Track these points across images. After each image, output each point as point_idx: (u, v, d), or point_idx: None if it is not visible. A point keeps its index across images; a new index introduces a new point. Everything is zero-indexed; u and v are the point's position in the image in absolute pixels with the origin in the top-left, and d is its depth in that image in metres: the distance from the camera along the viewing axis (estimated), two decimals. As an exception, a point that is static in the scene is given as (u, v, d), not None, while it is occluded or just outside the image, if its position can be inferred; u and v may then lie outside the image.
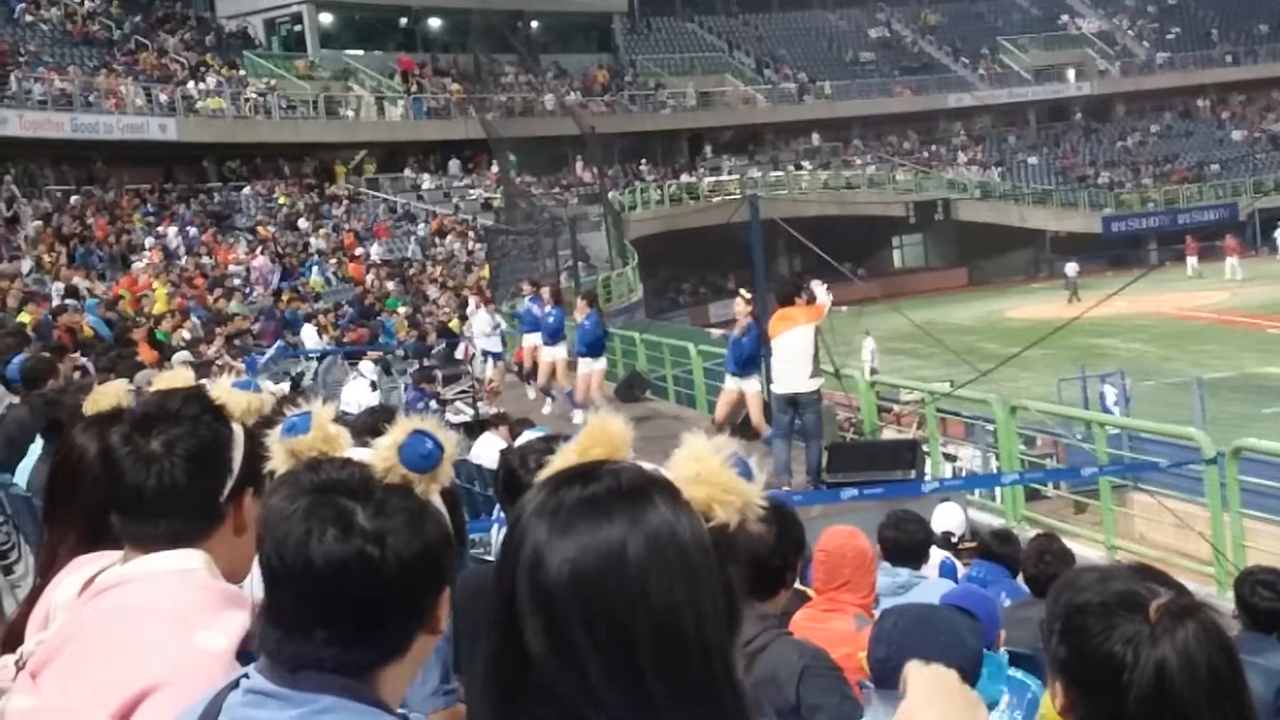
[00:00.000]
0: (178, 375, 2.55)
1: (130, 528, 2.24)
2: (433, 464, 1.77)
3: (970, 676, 3.34)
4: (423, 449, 1.77)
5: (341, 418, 2.01)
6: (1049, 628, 2.06)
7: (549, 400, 18.69)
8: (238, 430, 2.31)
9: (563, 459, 1.53)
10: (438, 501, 1.77)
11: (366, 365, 19.36)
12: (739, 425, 14.07)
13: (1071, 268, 49.75)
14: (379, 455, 1.78)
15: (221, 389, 2.40)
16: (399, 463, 1.76)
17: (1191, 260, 50.72)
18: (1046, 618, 2.07)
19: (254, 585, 2.68)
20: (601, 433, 1.56)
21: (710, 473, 1.54)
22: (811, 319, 12.39)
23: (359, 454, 1.83)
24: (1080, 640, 1.98)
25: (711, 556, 1.43)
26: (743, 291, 14.51)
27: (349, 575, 1.67)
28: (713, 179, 55.93)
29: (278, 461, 1.97)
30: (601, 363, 17.06)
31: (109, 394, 3.00)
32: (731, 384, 14.24)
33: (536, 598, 1.37)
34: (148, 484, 2.20)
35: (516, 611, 1.38)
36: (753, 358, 13.92)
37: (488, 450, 11.75)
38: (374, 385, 18.64)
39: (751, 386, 13.99)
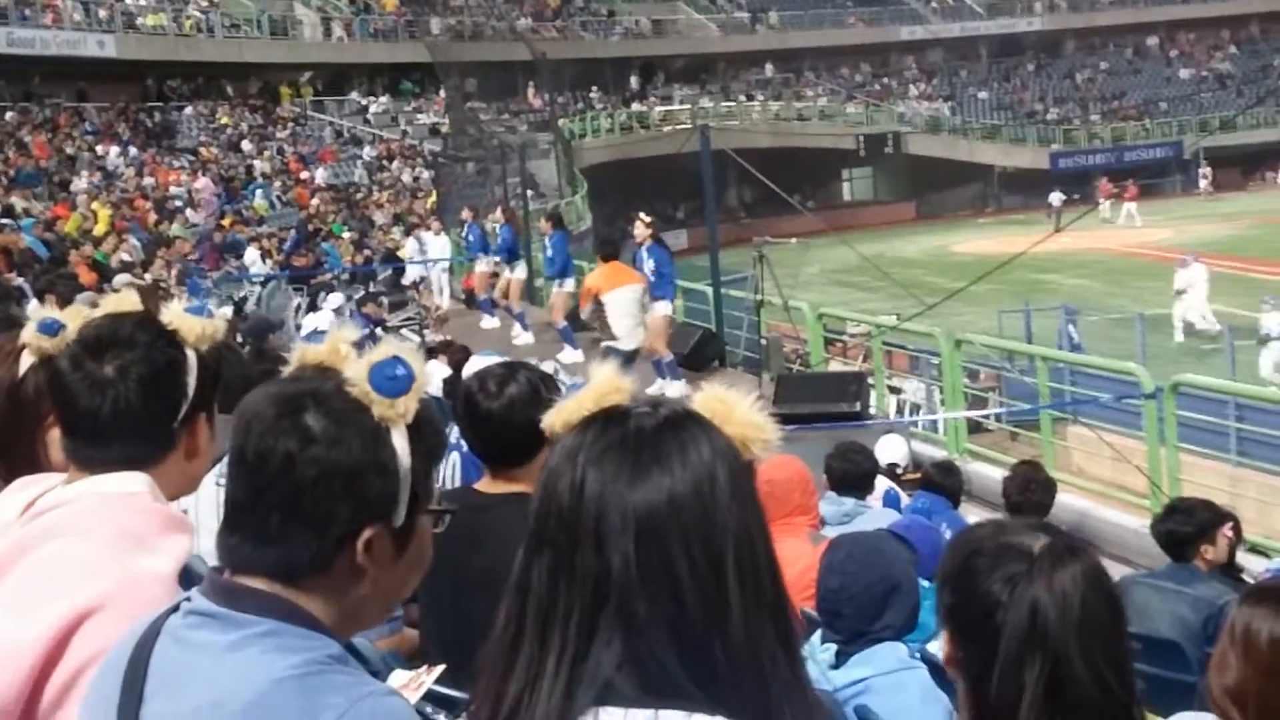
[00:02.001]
0: (125, 299, 2.51)
1: (82, 452, 2.22)
2: (398, 389, 1.76)
3: (918, 607, 3.39)
4: (389, 371, 1.76)
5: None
6: (942, 575, 2.07)
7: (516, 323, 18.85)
8: (191, 355, 2.28)
9: (576, 404, 1.54)
10: (401, 434, 1.76)
11: (335, 297, 19.22)
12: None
13: (1056, 197, 49.99)
14: (354, 368, 1.78)
15: (174, 314, 2.37)
16: (367, 380, 1.76)
17: (1106, 204, 50.42)
18: (941, 567, 2.09)
19: (199, 511, 2.67)
20: (614, 384, 1.59)
21: (740, 413, 1.58)
22: (638, 281, 12.61)
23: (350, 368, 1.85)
24: (965, 583, 2.00)
25: (754, 483, 1.48)
26: (642, 216, 14.81)
27: (269, 466, 1.70)
28: (664, 108, 55.64)
29: (292, 367, 2.00)
30: (568, 284, 17.25)
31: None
32: (651, 310, 14.52)
33: (630, 527, 1.37)
34: (103, 409, 2.18)
35: (596, 545, 1.38)
36: (660, 276, 14.26)
37: (432, 378, 11.75)
38: (338, 313, 18.52)
39: (658, 309, 14.23)
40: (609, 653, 1.37)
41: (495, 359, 5.55)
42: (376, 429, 1.74)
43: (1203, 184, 54.69)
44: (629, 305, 13.42)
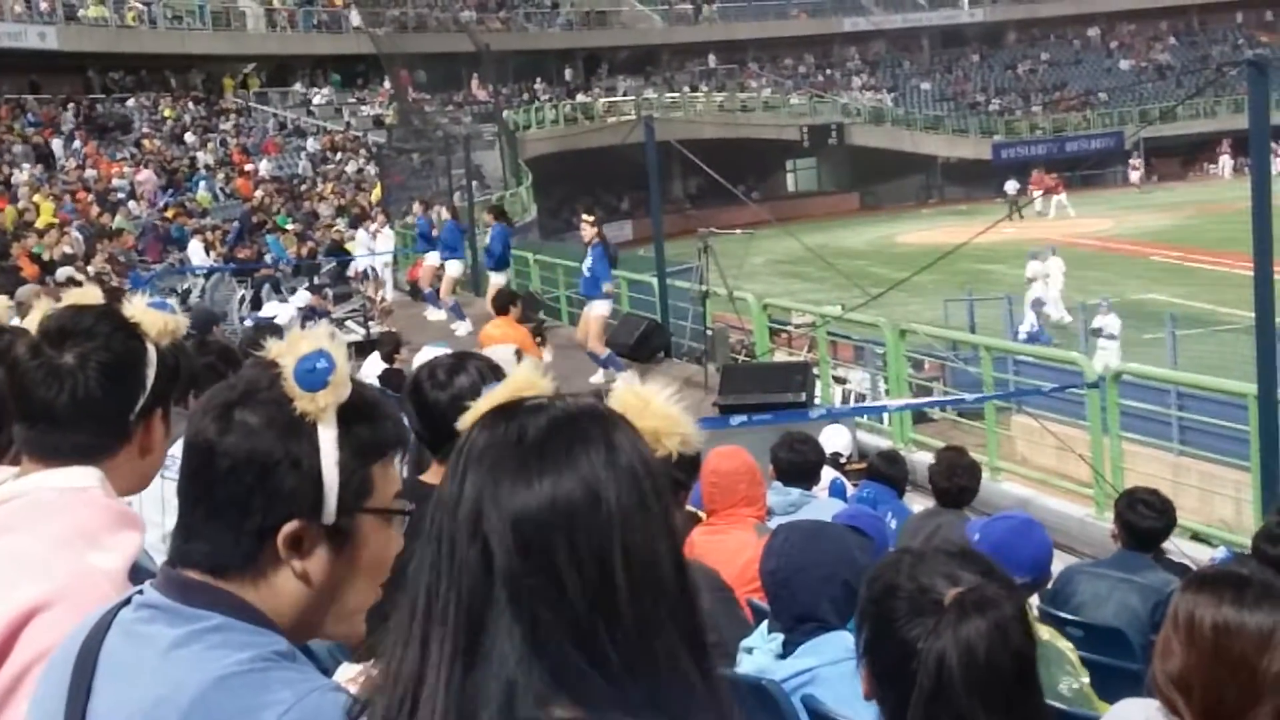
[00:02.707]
0: (88, 293, 2.50)
1: (36, 440, 2.20)
2: (313, 383, 1.75)
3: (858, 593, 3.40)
4: (308, 364, 1.75)
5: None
6: (860, 610, 2.07)
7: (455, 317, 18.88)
8: (151, 349, 2.28)
9: (489, 402, 1.53)
10: (328, 429, 1.75)
11: (302, 295, 19.12)
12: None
13: (1011, 185, 50.27)
14: (286, 362, 1.78)
15: (137, 308, 2.36)
16: (291, 374, 1.76)
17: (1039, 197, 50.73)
18: (860, 601, 2.09)
19: (143, 506, 2.67)
20: (528, 381, 1.57)
21: (655, 408, 1.57)
22: (518, 342, 12.66)
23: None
24: (881, 625, 2.00)
25: (667, 477, 1.43)
26: (585, 216, 14.88)
27: (195, 457, 1.71)
28: (608, 99, 55.56)
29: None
30: (502, 277, 17.35)
31: None
32: (589, 309, 14.84)
33: (508, 527, 1.32)
34: (60, 398, 2.17)
35: (478, 543, 1.33)
36: (595, 278, 14.45)
37: (371, 370, 11.76)
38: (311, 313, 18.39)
39: (594, 309, 14.47)
40: (503, 654, 1.32)
41: (446, 350, 5.55)
42: (296, 422, 1.73)
43: (1134, 175, 55.15)
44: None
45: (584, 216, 15.02)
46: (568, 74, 58.22)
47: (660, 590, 1.35)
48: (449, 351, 3.90)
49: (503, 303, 13.64)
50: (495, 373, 3.37)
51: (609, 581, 1.32)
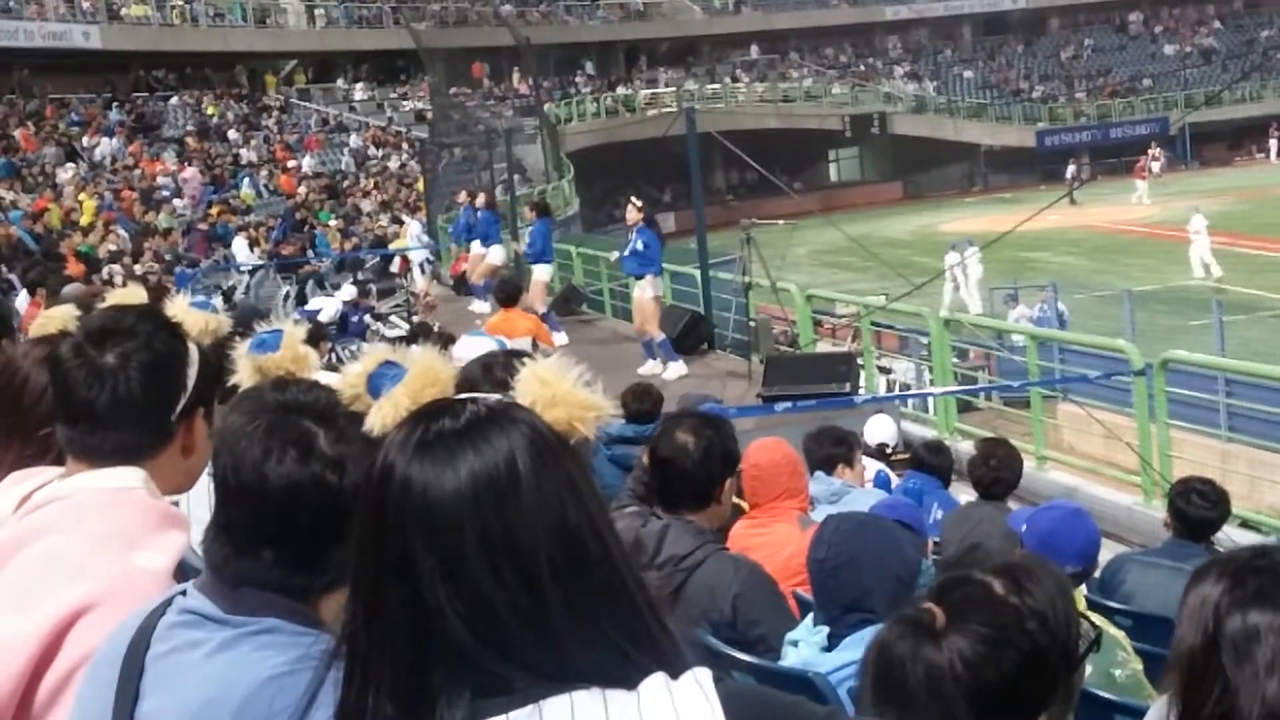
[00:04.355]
0: (131, 292, 2.50)
1: (78, 440, 2.21)
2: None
3: (908, 586, 3.38)
4: (391, 379, 1.75)
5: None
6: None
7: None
8: (193, 349, 2.28)
9: (392, 404, 1.52)
10: None
11: (347, 290, 19.20)
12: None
13: (1070, 169, 49.68)
14: (347, 382, 1.76)
15: (178, 307, 2.36)
16: (366, 391, 1.74)
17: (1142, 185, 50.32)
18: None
19: (190, 504, 2.68)
20: (431, 373, 1.56)
21: (564, 394, 1.56)
22: (530, 333, 12.57)
23: (327, 378, 1.81)
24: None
25: (587, 468, 1.44)
26: (634, 200, 14.85)
27: (304, 499, 1.68)
28: (649, 91, 55.50)
29: (243, 377, 1.95)
30: (547, 270, 17.25)
31: (56, 318, 2.95)
32: (637, 290, 14.65)
33: (427, 528, 1.34)
34: (101, 398, 2.17)
35: (402, 550, 1.35)
36: (642, 254, 14.31)
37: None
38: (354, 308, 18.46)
39: (645, 291, 14.31)
40: (444, 645, 1.33)
41: (484, 339, 5.55)
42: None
43: (1155, 166, 54.25)
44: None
45: (632, 200, 14.89)
46: (589, 67, 58.09)
47: (589, 577, 1.36)
48: (504, 348, 3.88)
49: (508, 294, 13.62)
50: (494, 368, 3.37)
51: (533, 574, 1.33)
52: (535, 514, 1.35)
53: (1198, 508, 5.76)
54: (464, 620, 1.32)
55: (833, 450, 6.72)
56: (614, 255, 16.03)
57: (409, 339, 13.84)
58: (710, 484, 4.03)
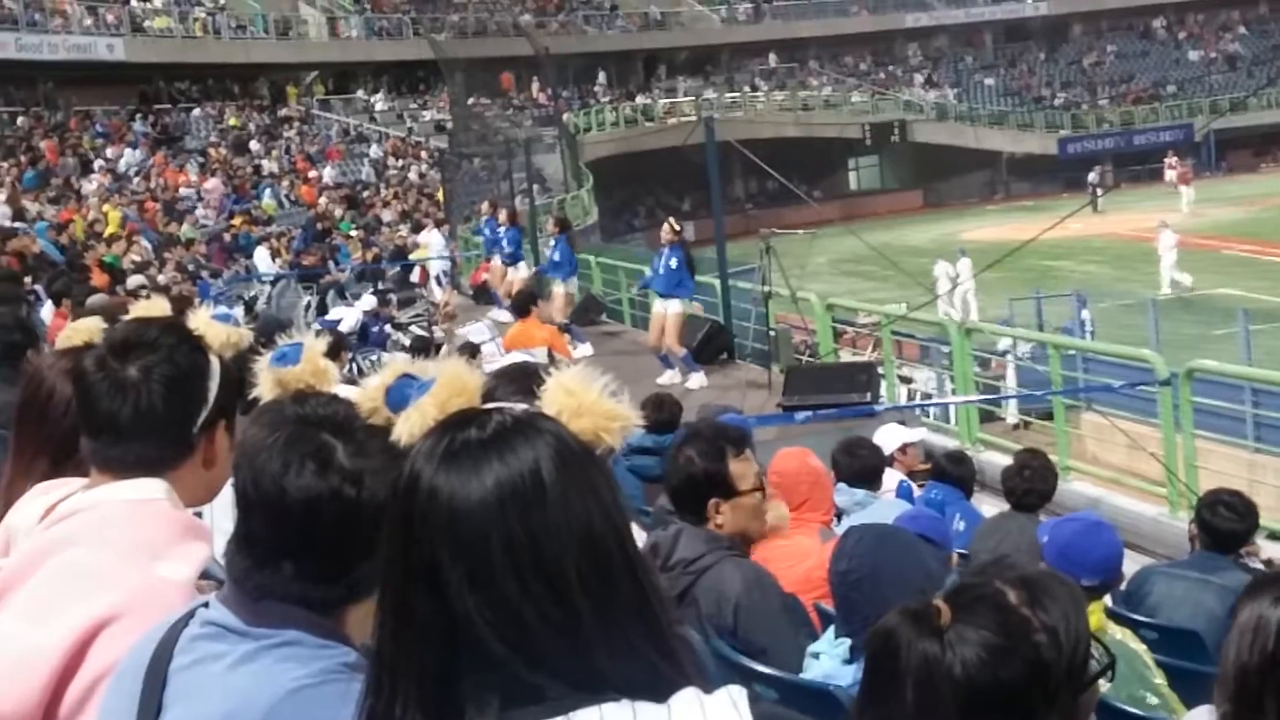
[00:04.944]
0: (155, 305, 2.52)
1: (101, 452, 2.22)
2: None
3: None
4: (409, 393, 1.75)
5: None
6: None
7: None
8: (215, 362, 2.29)
9: (420, 413, 1.52)
10: None
11: (367, 300, 19.24)
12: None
13: (1094, 176, 49.47)
14: (366, 395, 1.76)
15: (201, 320, 2.37)
16: (385, 404, 1.74)
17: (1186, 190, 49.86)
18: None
19: (213, 515, 2.69)
20: (458, 383, 1.56)
21: (590, 404, 1.55)
22: (547, 343, 12.56)
23: (346, 392, 1.81)
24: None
25: (612, 478, 1.44)
26: (671, 221, 14.91)
27: (324, 511, 1.68)
28: (668, 100, 55.54)
29: (264, 390, 1.95)
30: (570, 285, 17.29)
31: (82, 330, 2.97)
32: (658, 306, 14.58)
33: (454, 537, 1.34)
34: (123, 410, 2.18)
35: (430, 559, 1.35)
36: (673, 273, 14.33)
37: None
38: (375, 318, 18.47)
39: (673, 307, 14.30)
40: (473, 652, 1.33)
41: (484, 329, 5.55)
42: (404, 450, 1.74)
43: (1170, 175, 53.85)
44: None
45: (671, 221, 14.94)
46: (602, 77, 58.15)
47: (616, 589, 1.36)
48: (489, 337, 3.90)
49: (523, 304, 13.61)
50: (529, 379, 3.36)
51: (561, 583, 1.33)
52: (561, 523, 1.35)
53: (1225, 519, 5.71)
54: (493, 628, 1.33)
55: (875, 462, 6.76)
56: (640, 279, 16.05)
57: (414, 352, 13.81)
58: (709, 490, 4.00)
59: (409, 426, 1.55)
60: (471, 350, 12.58)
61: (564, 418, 1.50)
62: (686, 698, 1.34)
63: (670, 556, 3.87)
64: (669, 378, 14.20)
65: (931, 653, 1.81)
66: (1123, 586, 5.59)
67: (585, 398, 1.58)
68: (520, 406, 1.47)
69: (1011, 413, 15.46)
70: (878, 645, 1.86)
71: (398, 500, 1.39)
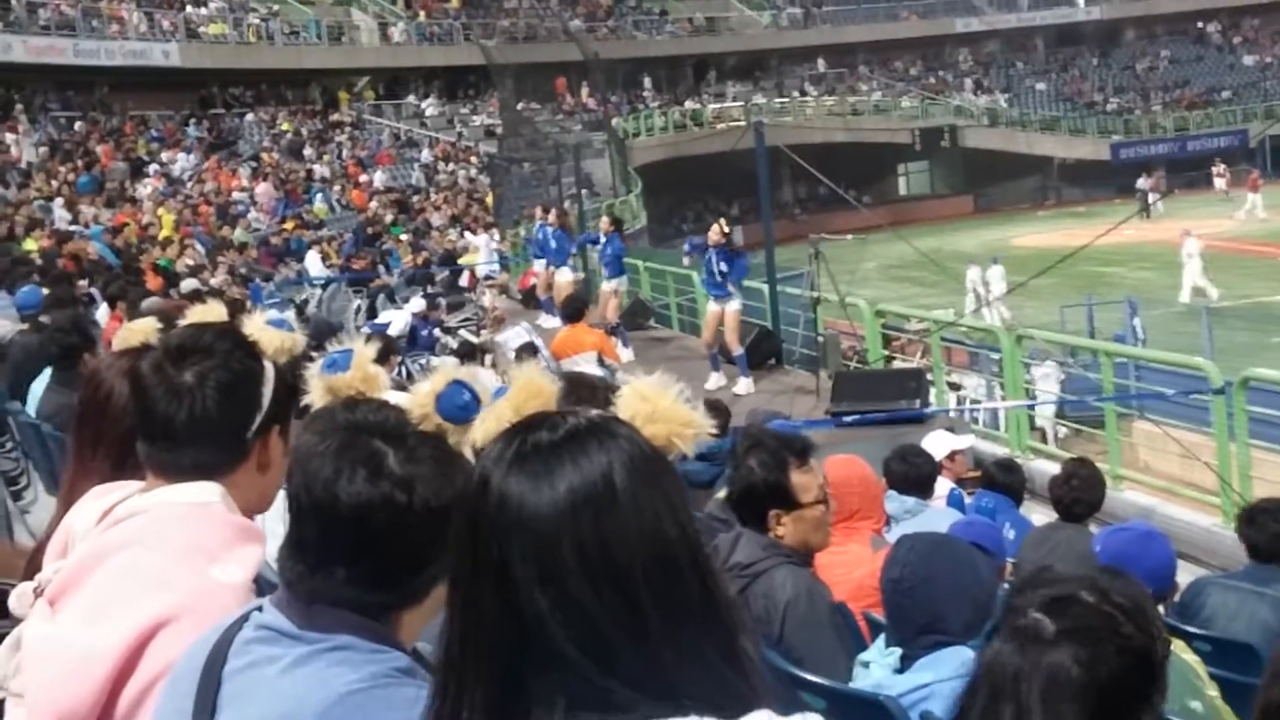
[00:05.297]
0: (211, 309, 2.54)
1: (156, 457, 2.24)
2: (469, 415, 1.76)
3: (984, 609, 3.34)
4: (460, 399, 1.76)
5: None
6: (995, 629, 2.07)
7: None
8: (269, 367, 2.30)
9: (495, 416, 1.52)
10: (469, 453, 1.76)
11: (416, 303, 19.33)
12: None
13: (1143, 182, 49.05)
14: (416, 401, 1.77)
15: (256, 326, 2.38)
16: (435, 411, 1.75)
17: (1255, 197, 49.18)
18: (997, 619, 2.08)
19: (266, 519, 2.71)
20: (534, 387, 1.56)
21: (664, 410, 1.55)
22: (596, 348, 12.52)
23: (397, 398, 1.82)
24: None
25: (681, 483, 1.43)
26: (721, 222, 14.83)
27: (375, 518, 1.69)
28: (717, 105, 55.48)
29: (315, 396, 1.96)
30: (619, 283, 17.24)
31: (138, 331, 3.00)
32: (713, 306, 14.57)
33: (524, 542, 1.33)
34: (179, 414, 2.20)
35: (500, 563, 1.34)
36: (726, 276, 14.30)
37: (490, 380, 11.81)
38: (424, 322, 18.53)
39: (731, 306, 14.28)
40: (543, 654, 1.33)
41: (522, 333, 5.56)
42: (455, 457, 1.74)
43: (1219, 183, 53.15)
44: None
45: (720, 221, 14.85)
46: (648, 83, 58.12)
47: (687, 597, 1.35)
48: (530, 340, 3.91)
49: (575, 310, 13.62)
50: (597, 393, 3.36)
51: (631, 590, 1.32)
52: (632, 529, 1.34)
53: (1264, 529, 5.66)
54: (564, 630, 1.32)
55: (929, 470, 6.75)
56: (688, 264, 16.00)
57: (460, 357, 13.85)
58: (768, 499, 4.00)
59: (484, 430, 1.56)
60: (530, 352, 12.63)
61: (638, 422, 1.49)
62: (760, 719, 1.33)
63: (728, 559, 3.87)
64: (715, 382, 14.20)
65: (1052, 662, 1.88)
66: (1176, 598, 5.54)
67: (660, 404, 1.58)
68: (594, 411, 1.46)
69: (1047, 419, 15.33)
70: (994, 672, 1.90)
71: (467, 503, 1.39)
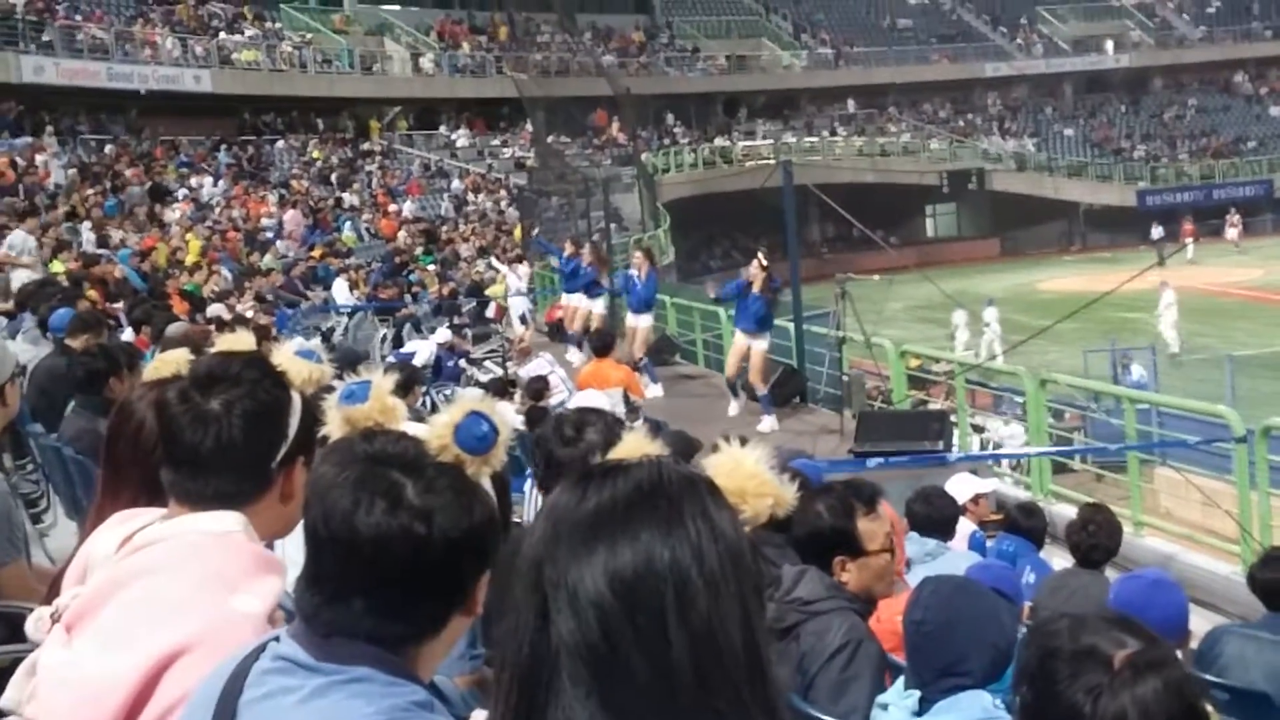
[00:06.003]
0: (239, 338, 2.55)
1: (180, 484, 2.24)
2: (487, 446, 1.76)
3: (1005, 654, 3.33)
4: (478, 430, 1.76)
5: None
6: (1018, 672, 2.07)
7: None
8: (296, 397, 2.31)
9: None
10: (487, 484, 1.76)
11: (442, 333, 19.35)
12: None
13: (1157, 231, 48.99)
14: (434, 432, 1.77)
15: (284, 356, 2.39)
16: (453, 442, 1.75)
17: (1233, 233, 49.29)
18: (1017, 664, 2.09)
19: (285, 549, 2.73)
20: (638, 450, 1.55)
21: (748, 467, 1.55)
22: (622, 384, 12.47)
23: (415, 429, 1.83)
24: (1046, 686, 2.00)
25: (752, 554, 1.38)
26: (760, 256, 14.66)
27: (393, 549, 1.68)
28: (747, 143, 55.61)
29: (333, 428, 1.96)
30: (648, 318, 17.22)
31: (170, 361, 3.01)
32: (741, 340, 14.54)
33: (572, 598, 1.30)
34: (204, 443, 2.20)
35: (548, 606, 1.31)
36: (764, 317, 14.30)
37: (508, 412, 11.81)
38: (449, 352, 18.55)
39: (759, 344, 14.29)
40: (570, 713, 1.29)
41: (544, 364, 5.53)
42: (474, 488, 1.75)
43: (1232, 233, 53.11)
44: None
45: (760, 257, 14.82)
46: (671, 118, 58.29)
47: (726, 668, 1.30)
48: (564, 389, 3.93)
49: (603, 344, 13.60)
50: (614, 430, 3.38)
51: (671, 655, 1.28)
52: (685, 603, 1.30)
53: (1270, 575, 5.64)
54: (586, 704, 1.29)
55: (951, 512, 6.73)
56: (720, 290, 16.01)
57: (497, 391, 13.86)
58: (835, 544, 3.99)
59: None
60: (540, 385, 12.65)
61: (719, 474, 1.47)
62: None
63: (790, 592, 3.86)
64: (735, 408, 14.23)
65: (1116, 708, 1.93)
66: (1194, 645, 5.51)
67: (745, 462, 1.56)
68: (677, 463, 1.42)
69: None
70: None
71: (526, 552, 1.36)
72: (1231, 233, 52.97)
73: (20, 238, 16.38)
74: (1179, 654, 4.81)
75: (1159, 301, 31.56)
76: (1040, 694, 2.01)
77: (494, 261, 29.42)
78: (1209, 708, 4.15)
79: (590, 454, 3.25)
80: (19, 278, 14.40)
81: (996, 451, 15.73)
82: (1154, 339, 29.34)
